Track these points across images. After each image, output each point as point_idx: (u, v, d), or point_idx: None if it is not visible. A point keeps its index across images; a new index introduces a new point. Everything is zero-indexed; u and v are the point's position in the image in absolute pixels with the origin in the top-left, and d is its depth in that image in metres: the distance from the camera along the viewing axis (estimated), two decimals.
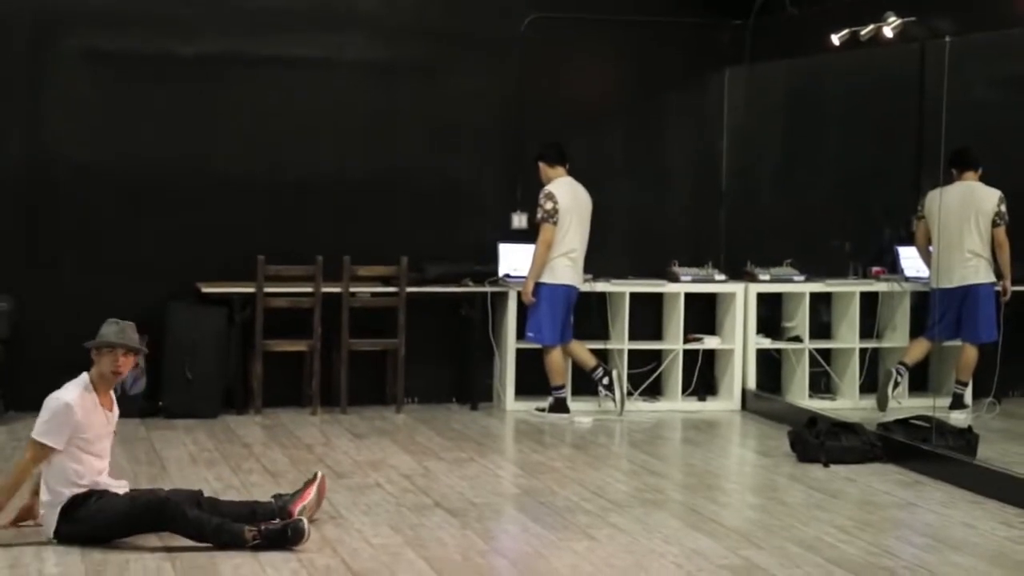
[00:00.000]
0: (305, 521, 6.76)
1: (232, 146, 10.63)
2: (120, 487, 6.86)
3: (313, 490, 7.14)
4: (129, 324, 6.87)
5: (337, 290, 10.36)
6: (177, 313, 10.18)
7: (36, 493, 6.85)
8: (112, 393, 6.94)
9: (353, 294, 10.44)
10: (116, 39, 10.45)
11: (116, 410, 6.97)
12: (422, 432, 9.87)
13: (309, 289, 10.34)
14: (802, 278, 11.09)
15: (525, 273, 10.53)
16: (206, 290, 10.27)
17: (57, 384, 6.84)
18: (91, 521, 6.63)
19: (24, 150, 10.24)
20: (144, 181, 10.43)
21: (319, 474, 7.27)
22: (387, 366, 10.79)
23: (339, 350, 10.46)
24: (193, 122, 10.56)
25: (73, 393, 6.70)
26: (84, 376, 6.80)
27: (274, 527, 6.70)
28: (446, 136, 11.11)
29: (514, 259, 10.81)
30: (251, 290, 10.23)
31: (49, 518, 6.69)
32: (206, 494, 7.09)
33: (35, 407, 6.62)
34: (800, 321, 11.07)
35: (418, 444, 9.43)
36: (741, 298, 10.98)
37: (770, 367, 11.18)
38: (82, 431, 6.66)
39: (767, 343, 11.11)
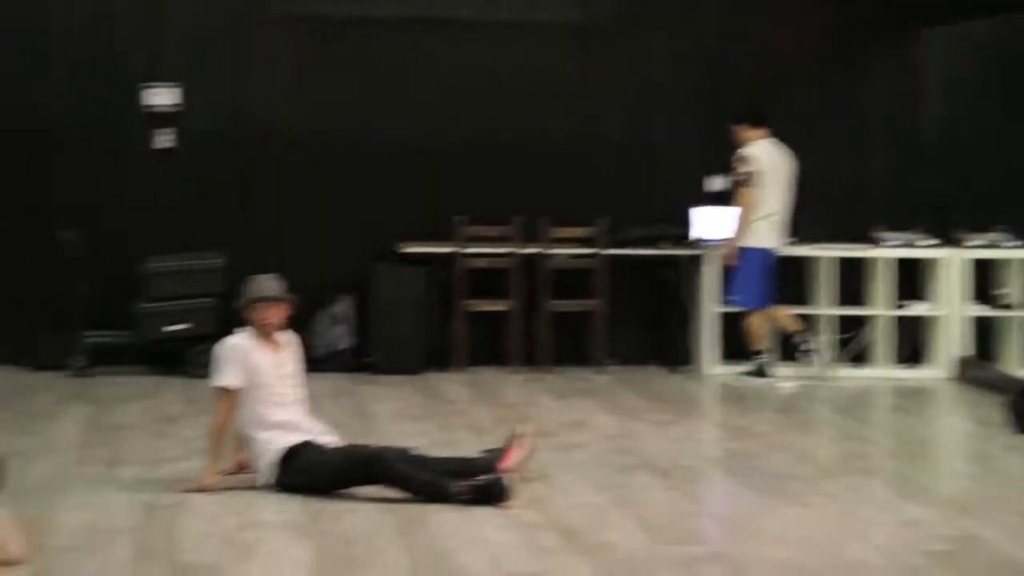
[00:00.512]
0: (510, 478, 6.79)
1: (431, 108, 10.73)
2: (328, 438, 6.99)
3: (519, 447, 7.17)
4: (268, 276, 7.06)
5: (535, 251, 10.38)
6: (381, 273, 10.33)
7: (241, 448, 7.02)
8: (281, 337, 7.08)
9: (552, 255, 10.45)
10: (317, 3, 10.59)
11: (291, 351, 7.12)
12: (623, 394, 9.87)
13: (508, 250, 10.38)
14: (1016, 243, 10.77)
15: (721, 236, 10.42)
16: (407, 251, 10.37)
17: None
18: (308, 472, 6.77)
19: (234, 114, 10.47)
20: (348, 143, 10.60)
21: (524, 430, 7.29)
22: (587, 327, 10.78)
23: (539, 310, 10.49)
24: (392, 85, 10.70)
25: (235, 338, 6.98)
26: (245, 332, 6.98)
27: (480, 483, 6.74)
28: (641, 97, 11.05)
29: (708, 222, 10.70)
30: (451, 250, 10.31)
31: (265, 468, 6.85)
32: (414, 449, 7.17)
33: None
34: (1015, 288, 10.76)
35: (620, 405, 9.43)
36: (950, 264, 10.70)
37: (982, 334, 10.87)
38: (257, 373, 6.87)
39: (981, 310, 10.81)
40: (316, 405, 8.41)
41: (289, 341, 7.14)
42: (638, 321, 10.94)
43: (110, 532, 6.13)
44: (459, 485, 6.70)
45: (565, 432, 8.52)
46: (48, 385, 9.56)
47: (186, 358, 9.93)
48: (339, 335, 10.29)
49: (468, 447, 7.80)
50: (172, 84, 10.34)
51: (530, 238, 10.41)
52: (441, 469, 6.93)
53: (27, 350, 10.06)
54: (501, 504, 6.66)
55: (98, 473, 7.18)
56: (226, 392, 6.86)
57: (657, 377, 10.60)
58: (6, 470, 5.88)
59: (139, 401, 9.14)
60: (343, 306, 10.31)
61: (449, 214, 10.29)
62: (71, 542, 5.97)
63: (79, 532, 6.11)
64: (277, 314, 7.00)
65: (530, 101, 10.86)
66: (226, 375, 6.86)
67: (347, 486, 6.80)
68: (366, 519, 6.45)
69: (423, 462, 6.99)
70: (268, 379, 6.90)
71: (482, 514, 6.55)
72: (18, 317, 10.08)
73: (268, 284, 7.01)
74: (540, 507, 6.74)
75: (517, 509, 6.65)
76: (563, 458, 7.79)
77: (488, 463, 7.06)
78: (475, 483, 6.73)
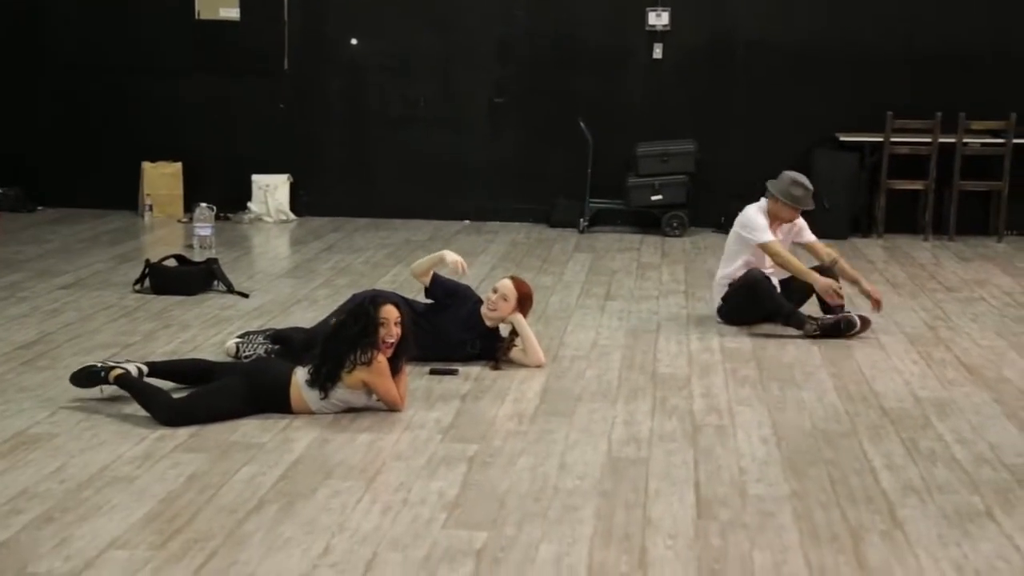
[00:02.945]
0: (856, 317, 6.48)
1: (867, 20, 10.09)
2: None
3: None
4: (804, 185, 6.71)
5: (952, 140, 9.69)
6: (819, 157, 9.94)
7: None
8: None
9: (965, 144, 9.73)
10: None
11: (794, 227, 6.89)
12: (1021, 258, 9.11)
13: (928, 140, 9.74)
14: None
15: None
16: (844, 139, 9.95)
17: (728, 208, 6.87)
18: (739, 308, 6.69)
19: (712, 31, 10.19)
20: (800, 51, 10.12)
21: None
22: (991, 204, 10.02)
23: (950, 189, 9.82)
24: (843, 1, 10.11)
25: (759, 208, 6.79)
26: (764, 201, 6.78)
27: (828, 321, 6.44)
28: None
29: None
30: (880, 139, 9.79)
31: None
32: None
33: (712, 224, 6.66)
34: None
35: (1017, 268, 8.75)
36: None
37: None
38: None
39: None
40: None
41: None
42: None
43: (606, 347, 6.31)
44: (814, 321, 6.44)
45: (968, 288, 7.99)
46: (562, 238, 9.82)
47: (662, 222, 9.95)
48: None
49: (886, 299, 7.47)
50: (666, 8, 10.18)
51: (949, 129, 9.70)
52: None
53: (548, 211, 10.36)
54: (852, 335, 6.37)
55: (596, 304, 7.36)
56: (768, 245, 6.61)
57: None
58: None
59: (626, 252, 9.26)
60: None
61: (881, 110, 9.73)
62: (578, 353, 6.18)
63: (583, 346, 6.32)
64: (795, 216, 6.76)
65: (952, 14, 10.01)
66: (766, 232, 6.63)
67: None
68: (800, 350, 6.30)
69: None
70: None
71: (899, 350, 6.28)
72: (543, 186, 10.36)
73: (807, 197, 6.68)
74: (947, 347, 6.39)
75: (929, 347, 6.32)
76: (966, 309, 7.35)
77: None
78: (824, 321, 6.44)
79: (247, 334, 5.94)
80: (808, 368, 5.94)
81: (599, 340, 6.42)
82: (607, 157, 10.08)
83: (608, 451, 4.69)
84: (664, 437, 4.87)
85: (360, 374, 4.95)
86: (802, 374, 5.83)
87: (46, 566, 3.62)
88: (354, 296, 5.87)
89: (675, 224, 9.88)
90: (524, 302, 5.85)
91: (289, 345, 5.65)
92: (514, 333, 5.85)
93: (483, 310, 5.85)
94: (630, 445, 4.76)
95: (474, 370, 5.73)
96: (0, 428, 4.82)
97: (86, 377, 5.11)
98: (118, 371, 5.07)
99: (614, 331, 6.63)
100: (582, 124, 10.04)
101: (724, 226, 9.85)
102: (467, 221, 10.39)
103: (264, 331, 5.95)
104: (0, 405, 5.11)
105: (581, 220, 10.12)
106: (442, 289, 5.93)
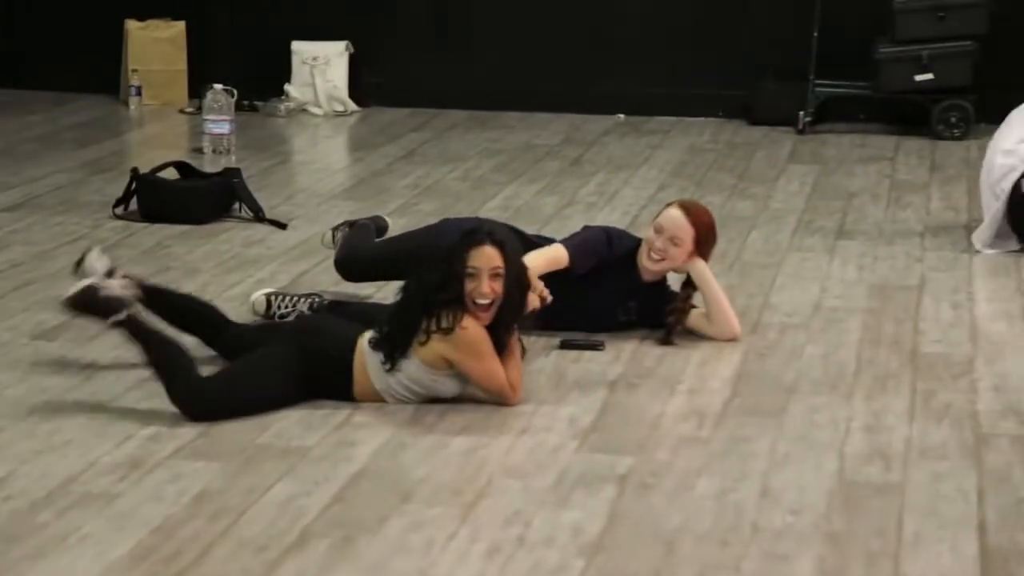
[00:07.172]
0: None
1: None
2: None
3: None
4: None
5: None
6: None
7: None
8: None
9: None
10: None
11: None
12: None
13: None
14: None
15: None
16: None
17: None
18: None
19: None
20: None
21: None
22: None
23: None
24: None
25: None
26: None
27: None
28: None
29: None
30: None
31: None
32: None
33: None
34: None
35: None
36: None
37: None
38: None
39: None
40: None
41: None
42: None
43: (836, 312, 6.32)
44: None
45: None
46: (770, 141, 9.82)
47: (933, 116, 9.84)
48: None
49: None
50: None
51: None
52: None
53: (747, 100, 10.35)
54: None
55: (823, 245, 7.36)
56: None
57: None
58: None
59: (873, 164, 9.23)
60: None
61: None
62: (791, 320, 6.22)
63: (801, 310, 6.34)
64: None
65: None
66: None
67: None
68: None
69: None
70: None
71: None
72: (738, 61, 10.33)
73: None
74: None
75: None
76: None
77: None
78: None
79: (277, 295, 6.00)
80: None
81: (825, 300, 6.45)
82: (844, 13, 10.02)
83: (839, 472, 4.71)
84: (929, 452, 4.88)
85: (438, 346, 5.00)
86: None
87: None
88: (446, 220, 5.94)
89: (953, 119, 9.83)
90: (705, 241, 5.85)
91: (344, 313, 5.70)
92: (690, 287, 5.86)
93: (642, 260, 5.88)
94: (874, 464, 4.78)
95: (629, 344, 5.77)
96: None
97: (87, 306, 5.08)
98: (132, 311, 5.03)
99: (851, 287, 6.65)
100: None
101: None
102: (621, 116, 10.49)
103: (308, 294, 6.00)
104: None
105: (800, 114, 10.09)
106: (585, 263, 5.84)
